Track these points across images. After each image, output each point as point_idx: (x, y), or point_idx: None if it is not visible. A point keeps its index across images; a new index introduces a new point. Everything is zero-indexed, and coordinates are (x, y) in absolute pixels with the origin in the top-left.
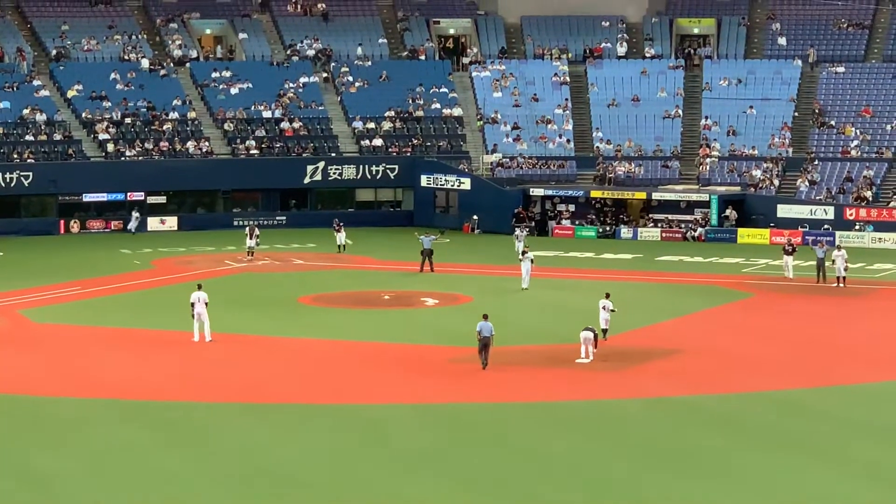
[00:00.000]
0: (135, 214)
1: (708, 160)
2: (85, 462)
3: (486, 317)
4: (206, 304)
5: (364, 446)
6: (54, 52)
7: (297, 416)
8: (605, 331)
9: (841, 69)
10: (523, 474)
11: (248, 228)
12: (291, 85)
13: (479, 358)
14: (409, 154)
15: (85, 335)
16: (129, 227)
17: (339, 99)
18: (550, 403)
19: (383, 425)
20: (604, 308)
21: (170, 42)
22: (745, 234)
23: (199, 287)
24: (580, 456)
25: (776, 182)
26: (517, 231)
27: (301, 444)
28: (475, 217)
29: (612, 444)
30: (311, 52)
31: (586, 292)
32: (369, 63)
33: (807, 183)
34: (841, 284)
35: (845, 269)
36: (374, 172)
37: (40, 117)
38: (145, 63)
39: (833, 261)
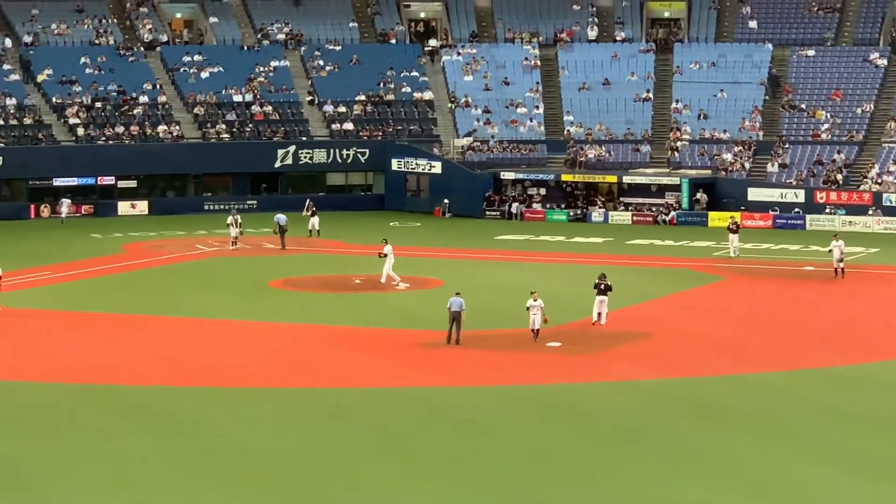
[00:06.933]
0: (65, 202)
1: (679, 143)
2: (52, 447)
3: (457, 293)
4: (0, 276)
5: (334, 431)
6: (25, 37)
7: (266, 399)
8: (538, 330)
9: (811, 52)
10: (492, 458)
11: (230, 218)
12: (262, 69)
13: (447, 331)
14: (379, 138)
15: (55, 320)
16: (60, 215)
17: (309, 83)
18: (520, 387)
19: (353, 409)
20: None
21: (140, 26)
22: (716, 218)
23: None
24: (549, 439)
25: (747, 165)
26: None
27: (270, 429)
28: (446, 201)
29: (582, 427)
30: (281, 36)
31: (558, 276)
32: (340, 47)
33: (777, 166)
34: (838, 275)
35: (841, 261)
36: (344, 156)
37: (10, 102)
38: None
39: (830, 251)
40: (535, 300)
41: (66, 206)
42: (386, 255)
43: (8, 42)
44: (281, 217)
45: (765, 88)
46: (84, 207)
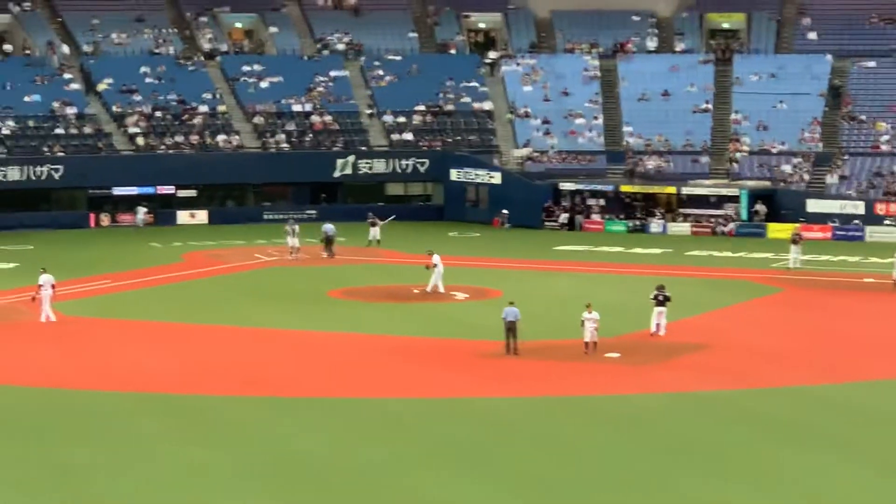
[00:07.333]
0: (141, 209)
1: (738, 155)
2: (112, 454)
3: (511, 303)
4: (53, 286)
5: (391, 441)
6: (85, 46)
7: (324, 409)
8: (595, 343)
9: (871, 64)
10: (550, 469)
11: (288, 227)
12: (322, 79)
13: (505, 341)
14: (439, 148)
15: (115, 328)
16: (136, 223)
17: (369, 93)
18: (578, 398)
19: (411, 419)
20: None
21: (200, 36)
22: (775, 229)
23: (45, 270)
24: (607, 450)
25: (806, 177)
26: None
27: (327, 438)
28: (505, 211)
29: (640, 438)
30: (341, 46)
31: (616, 286)
32: (399, 57)
33: (836, 178)
34: None
35: None
36: (404, 166)
37: (70, 111)
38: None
39: (893, 263)
40: (589, 313)
41: (142, 213)
42: (435, 266)
43: (65, 48)
44: (329, 227)
45: (824, 100)
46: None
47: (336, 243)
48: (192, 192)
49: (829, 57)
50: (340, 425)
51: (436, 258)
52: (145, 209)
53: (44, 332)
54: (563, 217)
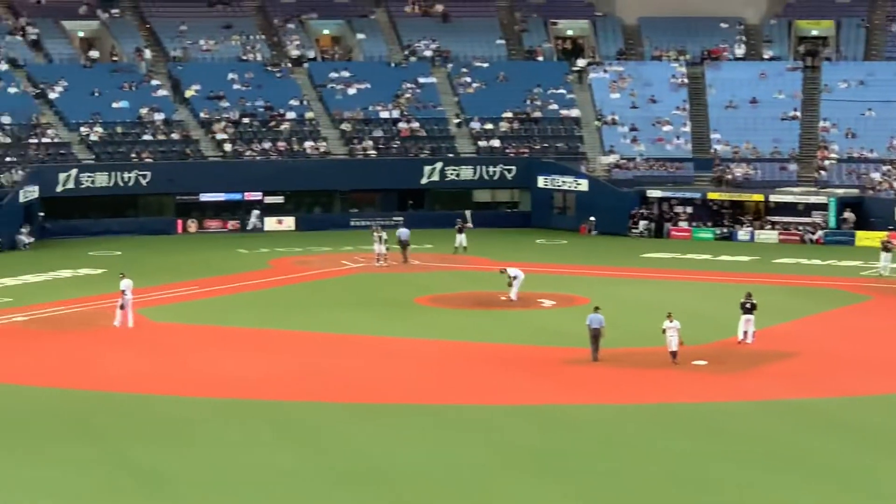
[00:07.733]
0: (255, 213)
1: (826, 162)
2: (196, 460)
3: (597, 309)
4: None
5: (476, 447)
6: (173, 52)
7: (410, 416)
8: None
9: None
10: (635, 477)
11: (375, 235)
12: (409, 85)
13: (591, 349)
14: (526, 155)
15: (202, 334)
16: (249, 227)
17: (456, 100)
18: (665, 405)
19: (496, 426)
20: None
21: (287, 42)
22: (864, 237)
23: (124, 275)
24: (695, 459)
25: (895, 185)
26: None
27: (413, 445)
28: (592, 218)
29: (728, 446)
30: (428, 53)
31: (704, 294)
32: (487, 64)
33: None
34: None
35: None
36: (491, 173)
37: (158, 117)
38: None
39: None
40: (671, 321)
41: (254, 216)
42: (515, 278)
43: (148, 53)
44: (403, 231)
45: None
46: (231, 223)
47: (410, 249)
48: (279, 199)
49: None
50: (425, 432)
51: (511, 270)
52: (258, 212)
53: (130, 337)
54: (644, 224)
